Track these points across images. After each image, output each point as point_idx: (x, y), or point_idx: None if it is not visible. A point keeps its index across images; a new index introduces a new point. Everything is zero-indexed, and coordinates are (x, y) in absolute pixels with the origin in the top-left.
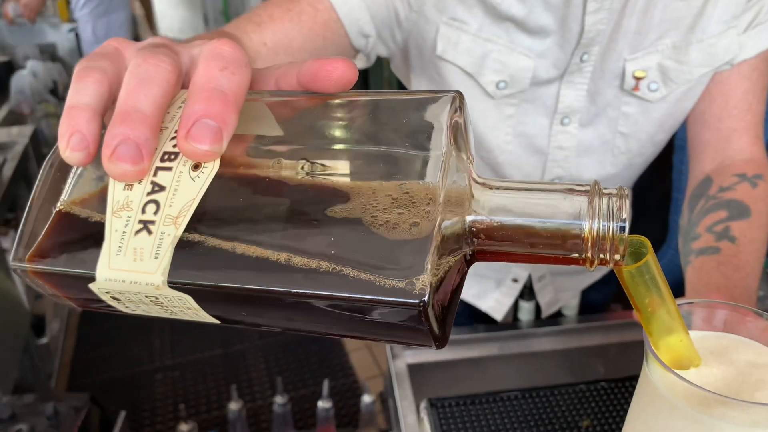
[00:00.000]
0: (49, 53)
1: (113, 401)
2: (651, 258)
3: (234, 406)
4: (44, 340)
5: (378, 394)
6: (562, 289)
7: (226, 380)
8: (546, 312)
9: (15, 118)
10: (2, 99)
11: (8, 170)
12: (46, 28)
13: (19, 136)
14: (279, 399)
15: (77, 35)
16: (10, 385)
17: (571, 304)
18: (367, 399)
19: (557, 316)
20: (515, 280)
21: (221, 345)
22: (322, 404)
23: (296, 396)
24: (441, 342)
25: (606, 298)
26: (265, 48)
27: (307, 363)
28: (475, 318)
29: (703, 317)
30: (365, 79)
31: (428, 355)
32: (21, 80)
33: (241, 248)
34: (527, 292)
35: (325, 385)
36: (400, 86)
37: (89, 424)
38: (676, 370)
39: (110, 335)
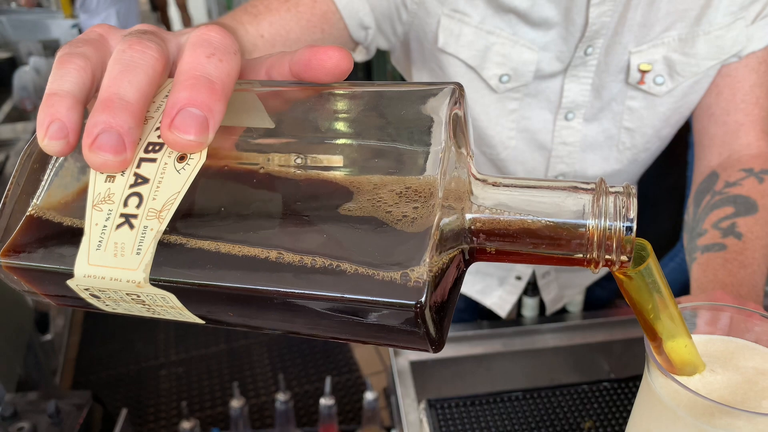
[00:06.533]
0: (52, 49)
1: (118, 398)
2: (652, 261)
3: (236, 403)
4: (48, 337)
5: (382, 390)
6: (567, 285)
7: (229, 377)
8: (550, 309)
9: (18, 115)
10: (5, 95)
11: (11, 167)
12: (49, 24)
13: (23, 132)
14: (281, 396)
15: (80, 31)
16: (14, 382)
17: (575, 300)
18: (369, 396)
19: (561, 313)
20: (518, 278)
21: (225, 341)
22: (325, 401)
23: (299, 392)
24: (437, 345)
25: (611, 295)
26: (262, 40)
27: (310, 359)
28: (479, 314)
29: (708, 319)
30: (368, 72)
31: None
32: (24, 76)
33: (227, 245)
34: (531, 288)
35: (328, 382)
36: (403, 80)
37: (91, 421)
38: (680, 377)
39: (115, 331)
